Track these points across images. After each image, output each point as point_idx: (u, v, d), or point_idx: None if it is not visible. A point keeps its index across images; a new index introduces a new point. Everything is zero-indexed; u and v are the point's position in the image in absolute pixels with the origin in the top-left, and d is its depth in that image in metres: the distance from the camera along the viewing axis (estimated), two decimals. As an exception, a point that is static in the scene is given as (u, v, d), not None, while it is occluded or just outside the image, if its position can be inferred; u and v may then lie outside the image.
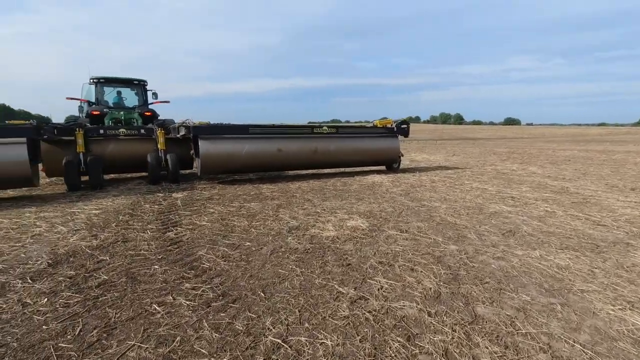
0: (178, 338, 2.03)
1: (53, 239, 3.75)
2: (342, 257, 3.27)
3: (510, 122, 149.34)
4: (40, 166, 6.78)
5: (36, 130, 6.11)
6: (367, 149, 8.49)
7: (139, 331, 2.11)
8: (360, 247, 3.53)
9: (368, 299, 2.50)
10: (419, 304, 2.42)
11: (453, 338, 2.04)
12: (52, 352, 1.91)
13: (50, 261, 3.15)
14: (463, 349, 1.95)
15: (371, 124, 9.05)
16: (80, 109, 11.71)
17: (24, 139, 5.70)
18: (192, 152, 7.29)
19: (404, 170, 9.13)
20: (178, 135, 7.19)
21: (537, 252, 3.35)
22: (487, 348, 1.95)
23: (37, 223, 4.33)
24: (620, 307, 2.37)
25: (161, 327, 2.16)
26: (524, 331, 2.10)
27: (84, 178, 6.62)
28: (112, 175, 8.35)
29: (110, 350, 1.93)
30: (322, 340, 2.02)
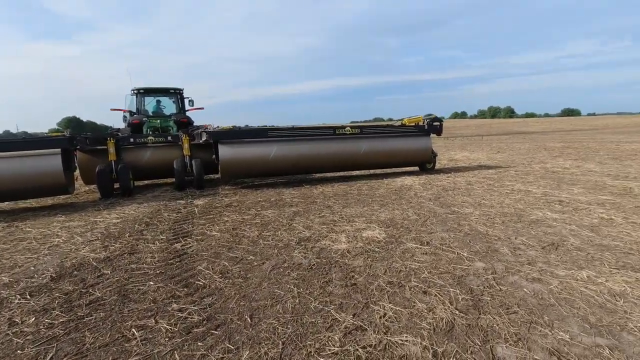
0: (141, 374, 1.84)
1: (66, 250, 3.80)
2: (349, 274, 2.94)
3: (569, 113, 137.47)
4: (76, 175, 7.14)
5: (70, 141, 6.45)
6: (394, 149, 7.97)
7: (106, 362, 1.95)
8: (372, 262, 3.17)
9: (366, 329, 2.16)
10: (424, 340, 2.03)
11: (459, 390, 1.65)
12: (13, 384, 1.81)
13: (54, 275, 3.14)
14: (470, 407, 1.56)
15: (399, 123, 8.51)
16: (124, 118, 12.35)
17: (58, 150, 6.03)
18: (213, 157, 7.29)
19: (439, 171, 8.50)
20: (201, 141, 7.22)
21: (585, 273, 2.78)
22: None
23: (59, 233, 4.45)
24: (695, 354, 1.82)
25: (131, 357, 1.98)
26: (555, 385, 1.66)
27: (117, 185, 6.86)
28: (145, 181, 8.61)
29: (69, 385, 1.78)
30: (299, 385, 1.73)
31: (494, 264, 3.03)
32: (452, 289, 2.61)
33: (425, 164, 8.38)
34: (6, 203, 6.46)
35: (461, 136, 26.27)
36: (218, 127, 8.44)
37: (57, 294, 2.78)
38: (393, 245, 3.56)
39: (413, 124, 8.18)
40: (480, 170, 8.52)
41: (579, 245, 3.38)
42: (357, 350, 1.97)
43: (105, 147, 6.80)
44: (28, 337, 2.21)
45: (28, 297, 2.76)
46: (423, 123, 8.14)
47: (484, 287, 2.63)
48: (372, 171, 8.64)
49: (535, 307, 2.33)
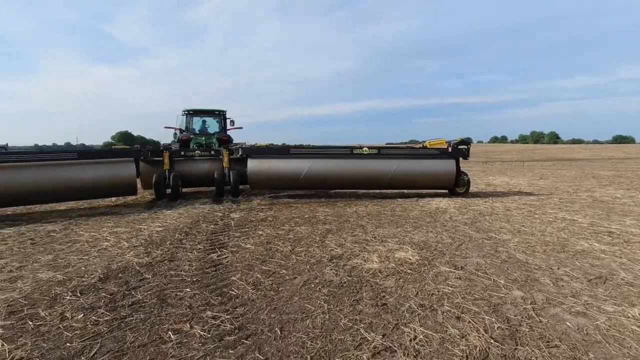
0: (176, 375, 1.93)
1: (113, 254, 4.07)
2: (379, 294, 2.92)
3: (621, 140, 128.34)
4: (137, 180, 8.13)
5: (139, 153, 7.86)
6: (412, 171, 7.90)
7: (144, 361, 2.06)
8: (403, 284, 3.12)
9: (395, 351, 2.13)
10: (456, 367, 1.97)
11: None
12: (62, 373, 1.95)
13: (102, 276, 3.38)
14: None
15: (420, 145, 8.45)
16: (175, 135, 13.41)
17: (132, 159, 7.60)
18: (246, 169, 7.85)
19: (476, 195, 8.23)
20: (237, 156, 8.22)
21: (637, 310, 2.58)
22: None
23: (108, 237, 4.77)
24: None
25: (167, 359, 2.08)
26: None
27: (169, 190, 7.93)
28: (193, 188, 9.43)
29: (111, 379, 1.90)
30: (327, 400, 1.73)
31: (533, 293, 2.89)
32: (487, 317, 2.51)
33: (454, 188, 8.11)
34: (63, 207, 7.14)
35: (500, 161, 25.33)
36: (256, 144, 9.05)
37: (103, 294, 2.98)
38: (426, 268, 3.49)
39: (447, 146, 8.01)
40: (521, 196, 8.16)
41: (631, 280, 3.14)
42: (386, 371, 1.95)
43: (162, 158, 7.94)
44: (76, 332, 2.39)
45: (78, 294, 2.97)
46: (447, 146, 7.96)
47: (522, 317, 2.51)
48: (406, 192, 8.53)
49: (579, 343, 2.19)
